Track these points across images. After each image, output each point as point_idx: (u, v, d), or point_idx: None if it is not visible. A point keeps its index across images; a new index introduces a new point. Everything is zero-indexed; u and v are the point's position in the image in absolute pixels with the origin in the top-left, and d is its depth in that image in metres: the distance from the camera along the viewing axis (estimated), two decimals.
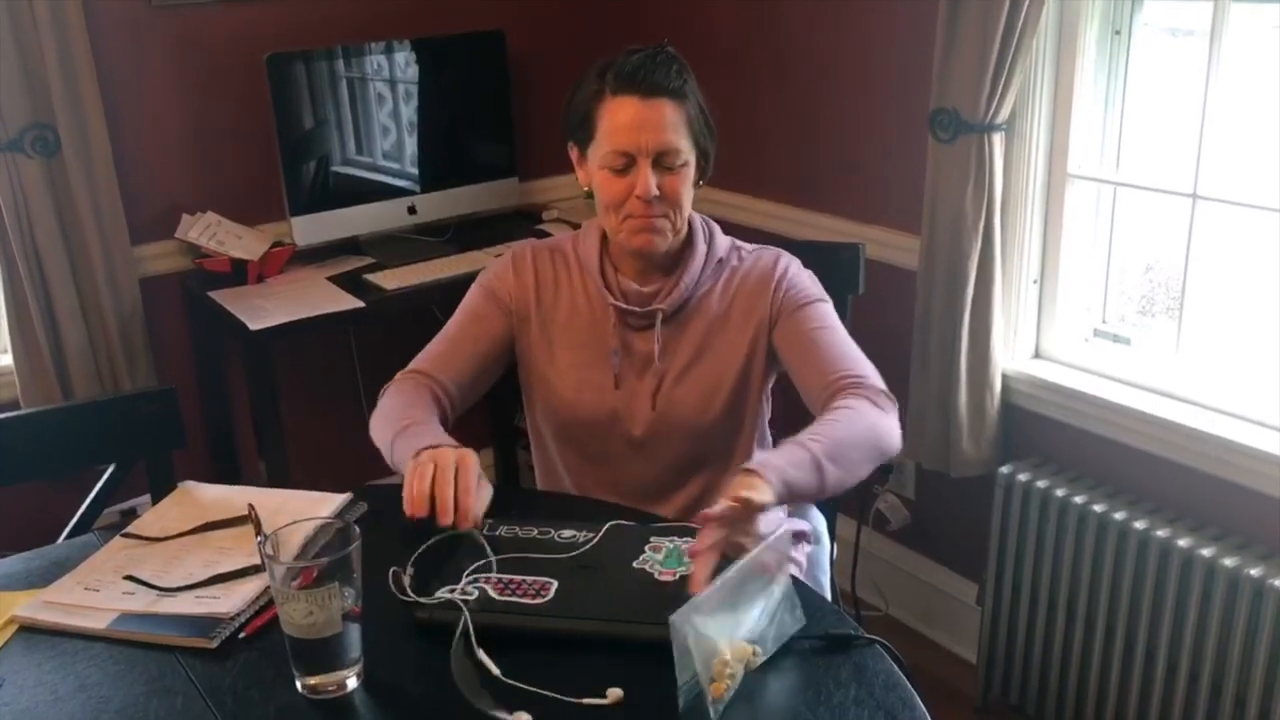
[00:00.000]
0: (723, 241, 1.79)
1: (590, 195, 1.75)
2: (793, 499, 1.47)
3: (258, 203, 2.86)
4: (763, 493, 1.38)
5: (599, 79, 1.66)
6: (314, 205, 2.85)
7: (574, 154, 1.75)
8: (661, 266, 1.74)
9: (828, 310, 1.75)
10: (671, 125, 1.63)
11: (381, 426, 1.67)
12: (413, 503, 1.47)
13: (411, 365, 1.77)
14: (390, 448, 1.62)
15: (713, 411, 1.73)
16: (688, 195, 1.69)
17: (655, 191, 1.63)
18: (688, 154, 1.66)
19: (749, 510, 1.36)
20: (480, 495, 1.51)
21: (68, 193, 2.54)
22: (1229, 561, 2.04)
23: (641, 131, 1.62)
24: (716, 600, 1.22)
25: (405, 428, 1.61)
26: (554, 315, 1.78)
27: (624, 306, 1.74)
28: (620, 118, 1.63)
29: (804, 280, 1.76)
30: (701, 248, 1.75)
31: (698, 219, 1.77)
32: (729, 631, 1.22)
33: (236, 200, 2.85)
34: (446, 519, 1.45)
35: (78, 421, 1.88)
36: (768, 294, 1.74)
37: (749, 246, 1.81)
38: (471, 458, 1.52)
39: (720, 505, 1.34)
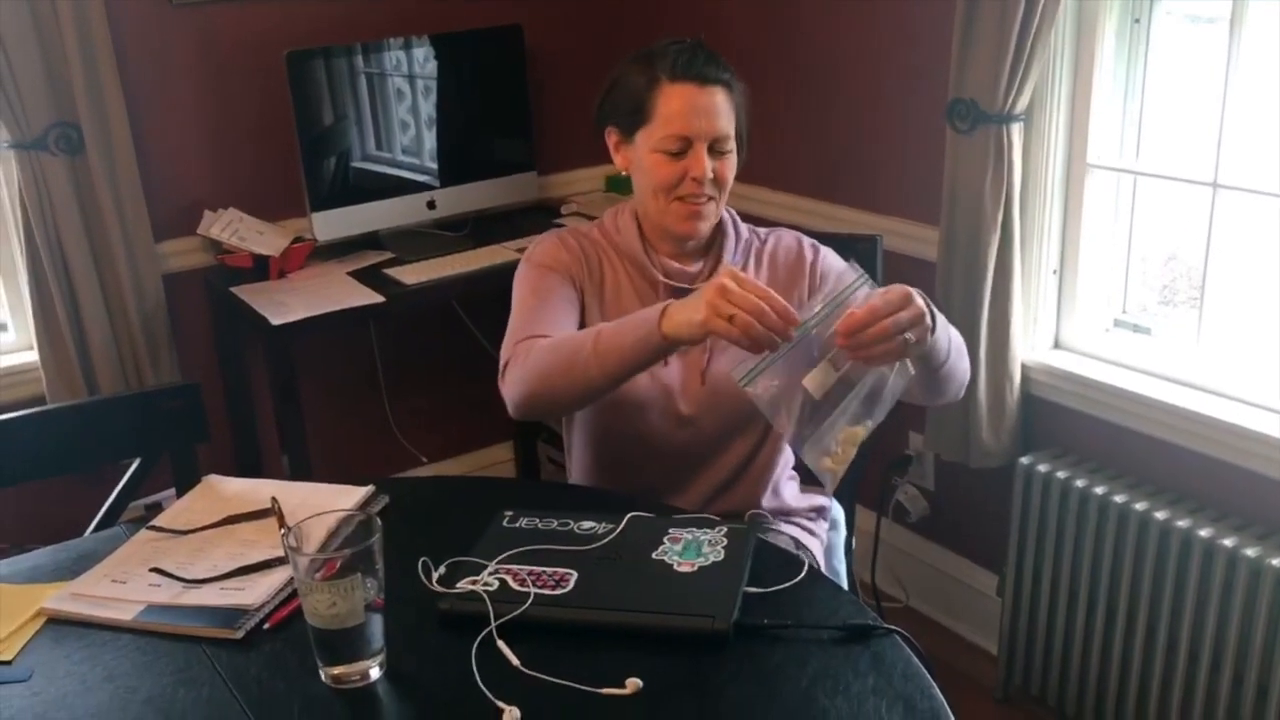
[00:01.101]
0: (743, 225, 1.86)
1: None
2: (930, 343, 1.48)
3: (278, 199, 2.88)
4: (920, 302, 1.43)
5: (648, 67, 1.71)
6: (334, 201, 2.87)
7: (612, 139, 1.80)
8: (695, 248, 1.81)
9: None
10: (724, 112, 1.71)
11: (557, 358, 1.58)
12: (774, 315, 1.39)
13: (525, 335, 1.67)
14: (592, 354, 1.54)
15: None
16: (732, 179, 1.76)
17: (711, 174, 1.70)
18: (734, 140, 1.74)
19: (906, 303, 1.40)
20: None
21: (91, 190, 2.56)
22: (1251, 551, 2.04)
23: (700, 117, 1.69)
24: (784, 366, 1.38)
25: (597, 332, 1.56)
26: (601, 294, 1.80)
27: (675, 284, 1.77)
28: (678, 104, 1.69)
29: (827, 251, 1.84)
30: (732, 230, 1.82)
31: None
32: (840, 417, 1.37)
33: (257, 196, 2.87)
34: (783, 325, 1.39)
35: (103, 417, 1.91)
36: (804, 266, 1.81)
37: (761, 229, 1.88)
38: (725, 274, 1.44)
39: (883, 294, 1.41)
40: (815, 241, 1.85)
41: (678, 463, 1.78)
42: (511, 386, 1.64)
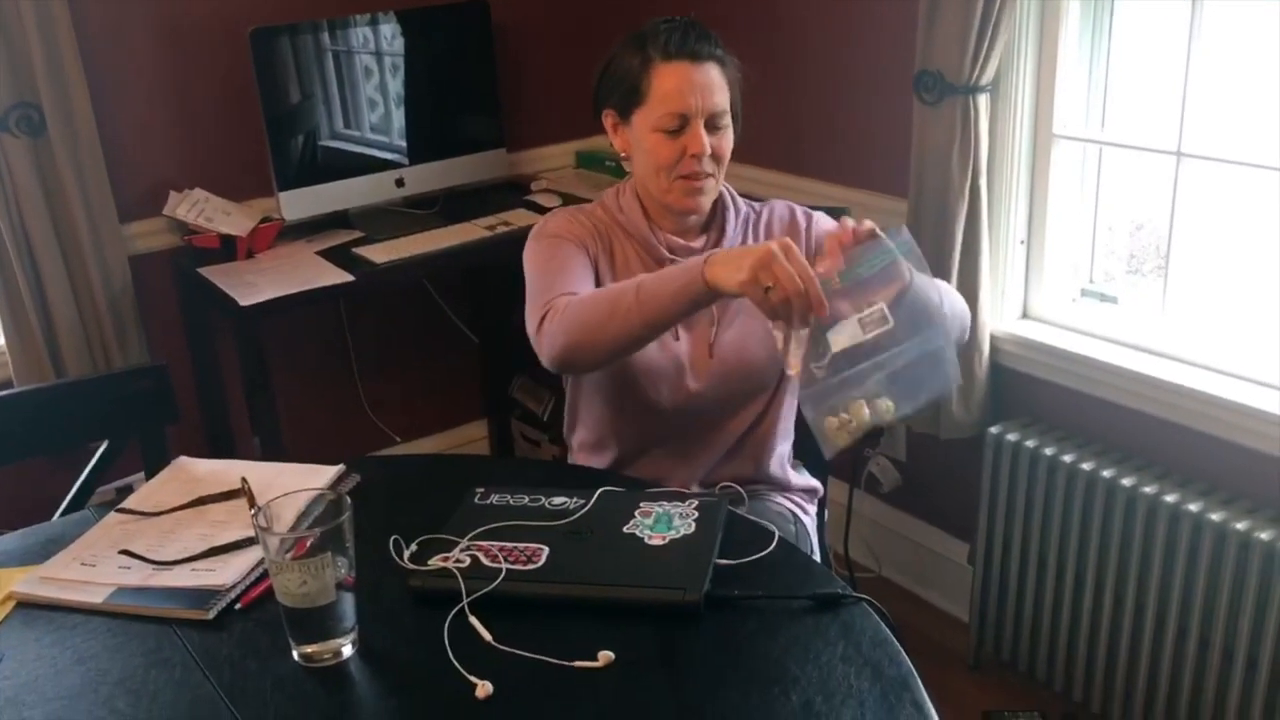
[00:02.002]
0: (740, 199, 1.88)
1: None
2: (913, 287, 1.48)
3: (245, 178, 2.86)
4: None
5: (641, 48, 1.73)
6: (302, 180, 2.85)
7: (610, 121, 1.81)
8: (698, 224, 1.82)
9: None
10: (719, 88, 1.73)
11: (598, 307, 1.58)
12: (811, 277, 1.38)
13: (552, 294, 1.66)
14: (634, 303, 1.53)
15: (766, 349, 1.77)
16: (729, 154, 1.77)
17: (710, 150, 1.71)
18: (729, 115, 1.75)
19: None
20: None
21: (55, 172, 2.53)
22: (1216, 516, 2.06)
23: (695, 94, 1.70)
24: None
25: (639, 282, 1.55)
26: (612, 266, 1.81)
27: (680, 260, 1.77)
28: (673, 82, 1.70)
29: (819, 215, 1.86)
30: (731, 204, 1.84)
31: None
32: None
33: (224, 176, 2.85)
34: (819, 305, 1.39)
35: (70, 400, 1.89)
36: (799, 233, 1.83)
37: (756, 202, 1.90)
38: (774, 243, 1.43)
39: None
40: (807, 209, 1.87)
41: (684, 433, 1.80)
42: (551, 338, 1.61)
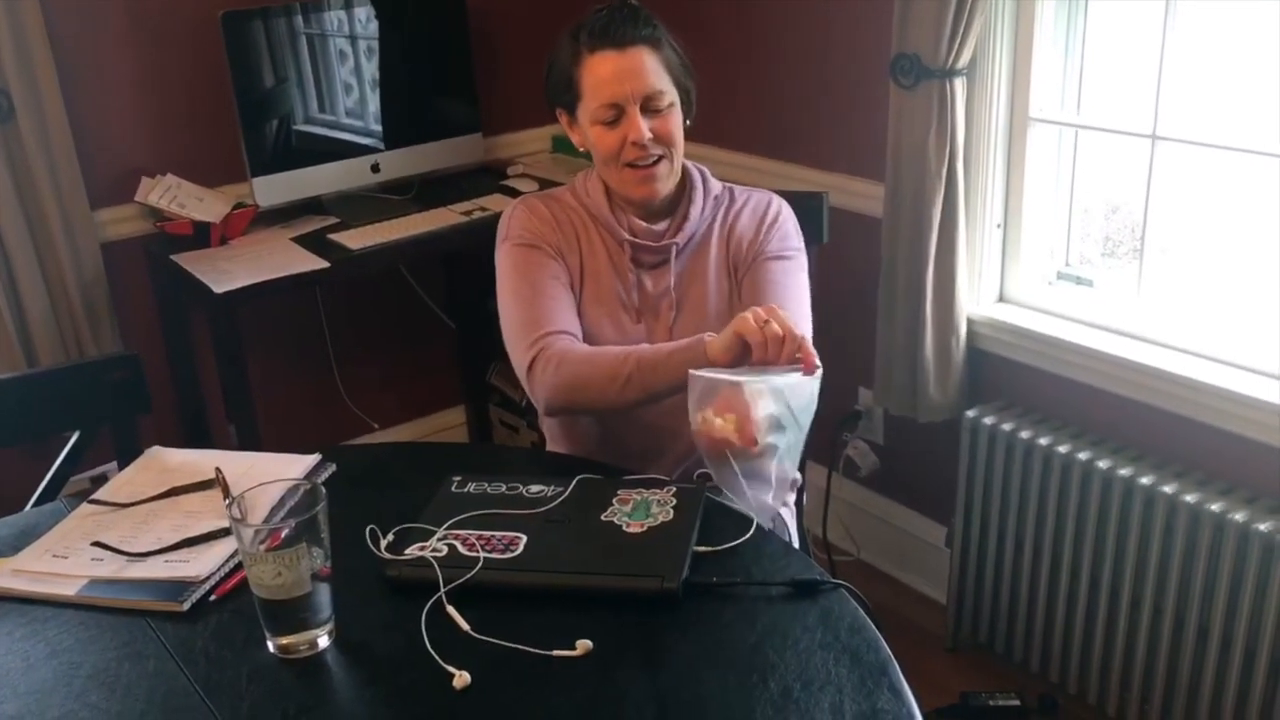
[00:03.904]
0: (715, 183, 1.85)
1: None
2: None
3: (218, 164, 2.83)
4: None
5: (574, 42, 1.71)
6: (276, 165, 2.82)
7: (564, 120, 1.80)
8: (662, 207, 1.80)
9: (796, 267, 1.81)
10: (651, 70, 1.70)
11: (594, 373, 1.63)
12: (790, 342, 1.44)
13: (539, 333, 1.69)
14: (635, 373, 1.60)
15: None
16: (679, 134, 1.75)
17: (648, 135, 1.69)
18: (672, 95, 1.72)
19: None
20: None
21: (24, 158, 2.50)
22: (1190, 498, 2.08)
23: (623, 81, 1.68)
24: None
25: (638, 357, 1.61)
26: (580, 256, 1.80)
27: (642, 243, 1.78)
28: (601, 72, 1.69)
29: (788, 230, 1.83)
30: (700, 186, 1.82)
31: (689, 163, 1.83)
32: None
33: (196, 162, 2.81)
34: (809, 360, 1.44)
35: (41, 389, 1.87)
36: (752, 235, 1.81)
37: (741, 188, 1.87)
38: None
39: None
40: (784, 206, 1.84)
41: (654, 428, 1.77)
42: (545, 390, 1.66)
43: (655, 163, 1.72)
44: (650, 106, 1.69)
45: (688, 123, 1.78)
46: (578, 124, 1.76)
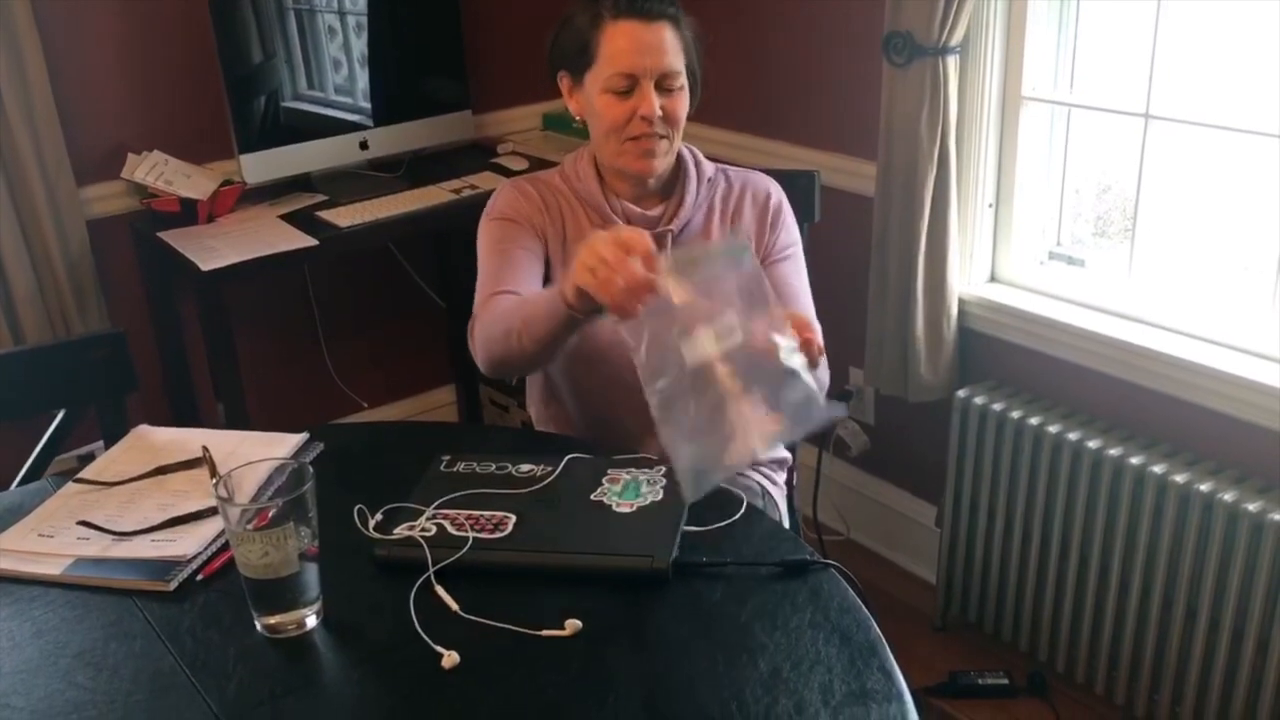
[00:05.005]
0: (707, 165, 1.84)
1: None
2: None
3: (205, 140, 2.80)
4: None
5: (592, 5, 1.69)
6: (264, 142, 2.80)
7: (564, 84, 1.77)
8: (656, 190, 1.79)
9: (799, 263, 1.83)
10: (671, 48, 1.68)
11: (499, 326, 1.58)
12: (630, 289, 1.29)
13: (486, 294, 1.67)
14: (521, 324, 1.53)
15: None
16: (684, 117, 1.73)
17: (660, 112, 1.67)
18: (684, 77, 1.71)
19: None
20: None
21: (9, 134, 2.48)
22: (1180, 478, 2.08)
23: (645, 54, 1.66)
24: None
25: (523, 301, 1.59)
26: (564, 241, 1.78)
27: (635, 228, 1.74)
28: (622, 41, 1.66)
29: (789, 222, 1.83)
30: (693, 170, 1.80)
31: (682, 145, 1.81)
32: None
33: (183, 138, 2.79)
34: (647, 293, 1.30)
35: (26, 367, 1.85)
36: (757, 234, 1.80)
37: (734, 169, 1.86)
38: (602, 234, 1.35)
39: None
40: (782, 194, 1.84)
41: (643, 410, 1.75)
42: (476, 349, 1.65)
43: (658, 140, 1.70)
44: (664, 85, 1.67)
45: (692, 107, 1.76)
46: (581, 89, 1.73)
